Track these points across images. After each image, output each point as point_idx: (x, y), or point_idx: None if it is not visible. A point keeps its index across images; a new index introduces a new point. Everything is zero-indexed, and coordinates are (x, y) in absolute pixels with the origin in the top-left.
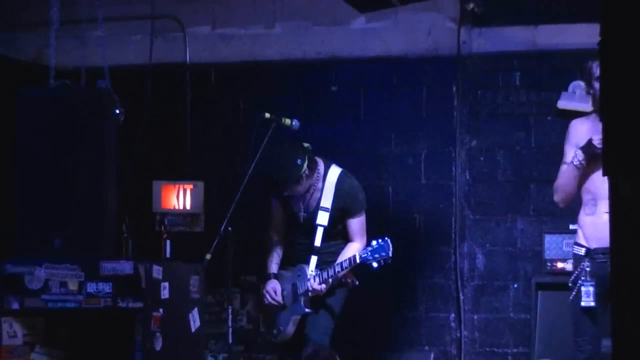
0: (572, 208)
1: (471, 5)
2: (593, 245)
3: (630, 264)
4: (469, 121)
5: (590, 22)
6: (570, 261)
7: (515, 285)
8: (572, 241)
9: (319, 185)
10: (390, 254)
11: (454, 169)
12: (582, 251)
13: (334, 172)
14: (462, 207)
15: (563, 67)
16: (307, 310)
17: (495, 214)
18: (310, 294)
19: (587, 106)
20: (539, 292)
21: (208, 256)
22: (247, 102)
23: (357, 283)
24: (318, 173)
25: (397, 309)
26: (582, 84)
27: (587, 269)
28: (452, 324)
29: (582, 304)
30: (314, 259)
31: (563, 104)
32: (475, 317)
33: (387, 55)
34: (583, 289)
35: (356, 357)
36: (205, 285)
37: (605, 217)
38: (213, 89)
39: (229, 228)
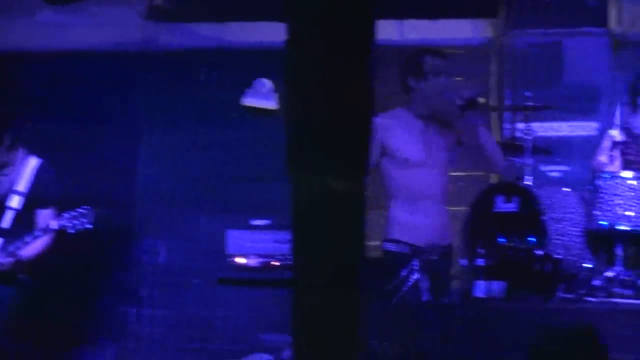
0: (252, 205)
1: (159, 1)
2: (418, 243)
3: (308, 261)
4: (155, 116)
5: (271, 20)
6: (254, 257)
7: (197, 281)
8: (255, 237)
9: (15, 168)
10: (92, 222)
11: (138, 163)
12: (406, 248)
13: (35, 160)
14: (144, 202)
15: (249, 64)
16: None
17: (179, 209)
18: None
19: (273, 103)
20: (221, 287)
21: None
22: None
23: (29, 281)
24: (16, 155)
25: (76, 304)
26: (267, 81)
27: (418, 266)
28: (133, 320)
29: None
30: None
31: (248, 100)
32: (157, 313)
33: (76, 49)
34: (419, 284)
35: (33, 353)
36: None
37: (428, 215)
38: None
39: None
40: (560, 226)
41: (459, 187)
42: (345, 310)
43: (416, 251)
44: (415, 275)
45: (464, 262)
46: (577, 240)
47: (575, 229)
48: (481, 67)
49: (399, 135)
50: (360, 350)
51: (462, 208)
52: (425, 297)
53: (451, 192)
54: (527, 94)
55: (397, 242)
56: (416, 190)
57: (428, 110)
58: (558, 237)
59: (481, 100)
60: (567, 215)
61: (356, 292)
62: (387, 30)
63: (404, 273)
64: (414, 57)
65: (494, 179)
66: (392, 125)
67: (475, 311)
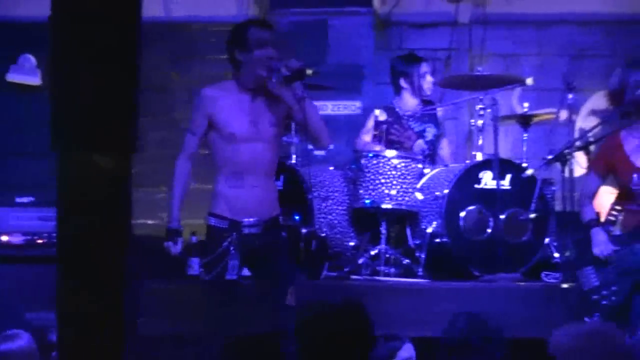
0: (16, 181)
1: None
2: (239, 218)
3: (74, 239)
4: None
5: None
6: (18, 234)
7: None
8: (19, 214)
9: None
10: None
11: None
12: (226, 224)
13: None
14: None
15: (13, 39)
16: None
17: None
18: None
19: (36, 80)
20: None
21: None
22: None
23: None
24: None
25: None
26: (30, 57)
27: (234, 243)
28: None
29: (228, 277)
30: None
31: (12, 76)
32: None
33: None
34: (230, 262)
35: None
36: None
37: (253, 190)
38: None
39: None
40: (326, 205)
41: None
42: (112, 289)
43: (236, 226)
44: (231, 251)
45: None
46: (342, 218)
47: (340, 207)
48: None
49: (225, 108)
50: (128, 330)
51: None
52: (230, 275)
53: (204, 170)
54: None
55: (219, 217)
56: (241, 165)
57: (255, 83)
58: (323, 215)
59: (309, 71)
60: (332, 193)
61: (123, 270)
62: (153, 7)
63: (221, 249)
64: (239, 29)
65: None
66: (219, 98)
67: (239, 288)
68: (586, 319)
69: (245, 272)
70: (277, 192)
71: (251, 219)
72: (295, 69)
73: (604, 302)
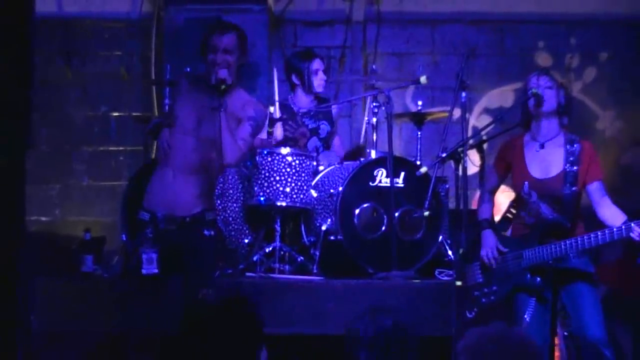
0: None
1: None
2: (160, 212)
3: None
4: None
5: None
6: None
7: None
8: None
9: None
10: None
11: None
12: (146, 216)
13: None
14: None
15: None
16: None
17: None
18: None
19: None
20: None
21: None
22: None
23: None
24: None
25: None
26: None
27: (150, 236)
28: None
29: (144, 272)
30: None
31: None
32: None
33: None
34: (145, 256)
35: None
36: None
37: (170, 181)
38: None
39: None
40: (220, 202)
41: (119, 162)
42: (5, 286)
43: (153, 220)
44: (143, 245)
45: (123, 236)
46: (236, 215)
47: (235, 204)
48: (141, 42)
49: (185, 96)
50: (21, 327)
51: (122, 182)
52: (148, 270)
53: (112, 166)
54: (187, 69)
55: (142, 208)
56: (170, 157)
57: (211, 84)
58: (218, 212)
59: (223, 86)
60: (227, 190)
61: (17, 266)
62: (45, 2)
63: (133, 242)
64: (207, 31)
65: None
66: (188, 88)
67: (128, 285)
68: (467, 313)
69: (154, 268)
70: (203, 190)
71: (166, 213)
72: (218, 79)
73: (484, 300)
